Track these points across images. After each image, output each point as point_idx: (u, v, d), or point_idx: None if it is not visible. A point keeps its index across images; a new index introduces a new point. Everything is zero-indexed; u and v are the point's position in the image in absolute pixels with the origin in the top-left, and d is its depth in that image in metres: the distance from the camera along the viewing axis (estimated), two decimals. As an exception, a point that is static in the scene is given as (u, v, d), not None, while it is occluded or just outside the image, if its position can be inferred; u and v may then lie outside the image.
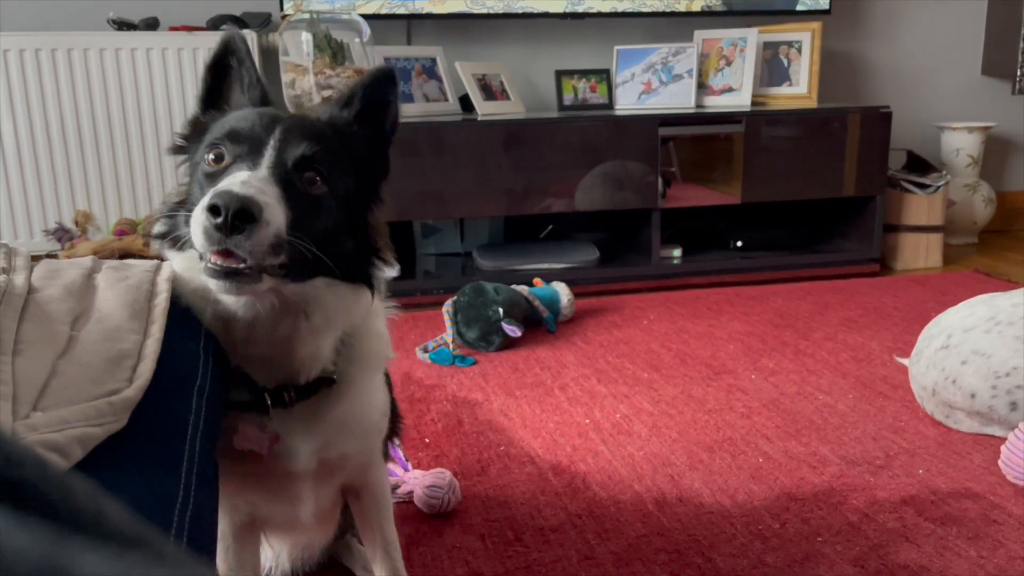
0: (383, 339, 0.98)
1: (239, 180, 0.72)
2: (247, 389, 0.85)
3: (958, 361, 1.61)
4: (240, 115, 0.83)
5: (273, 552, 1.12)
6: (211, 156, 0.79)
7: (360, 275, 0.85)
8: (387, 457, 1.10)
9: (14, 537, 0.21)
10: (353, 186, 0.85)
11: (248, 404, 0.85)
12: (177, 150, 0.89)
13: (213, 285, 0.74)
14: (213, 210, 0.68)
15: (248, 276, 0.73)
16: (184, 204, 0.85)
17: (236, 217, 0.68)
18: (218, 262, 0.72)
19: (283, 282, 0.78)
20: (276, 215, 0.72)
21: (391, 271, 0.91)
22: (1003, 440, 1.55)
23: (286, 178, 0.77)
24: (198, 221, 0.70)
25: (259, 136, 0.79)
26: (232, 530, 0.95)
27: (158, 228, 0.86)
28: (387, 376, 1.05)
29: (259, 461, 0.86)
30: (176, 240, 0.82)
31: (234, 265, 0.72)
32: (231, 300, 0.78)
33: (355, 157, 0.87)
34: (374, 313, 0.95)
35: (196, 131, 0.88)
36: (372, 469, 1.03)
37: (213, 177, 0.77)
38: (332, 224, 0.81)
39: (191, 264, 0.80)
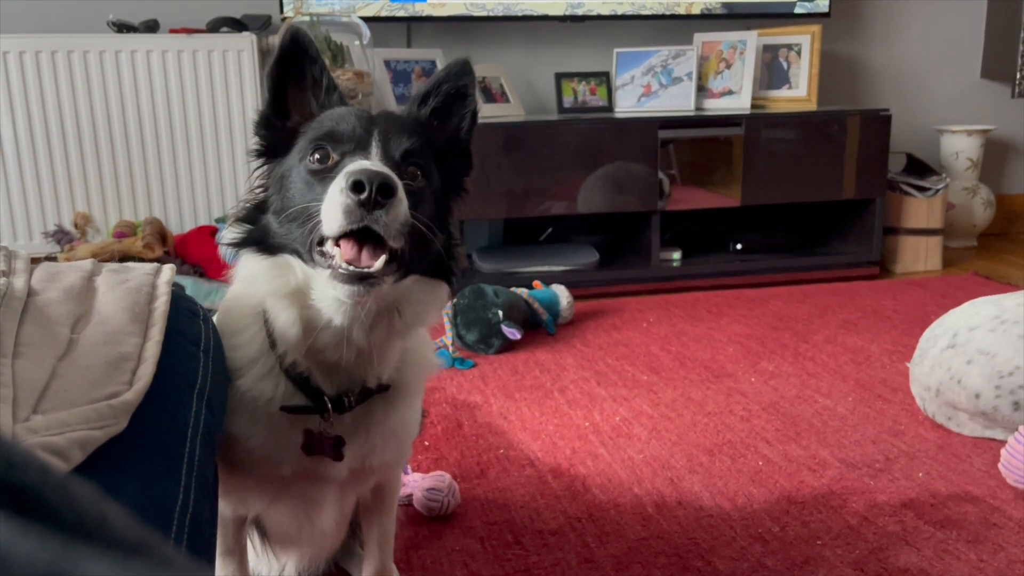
0: (431, 347, 0.99)
1: (368, 162, 0.74)
2: (307, 394, 0.85)
3: (963, 361, 1.61)
4: (336, 115, 0.84)
5: (279, 563, 1.11)
6: (316, 156, 0.80)
7: (443, 270, 0.87)
8: None
9: (19, 544, 0.21)
10: (439, 181, 0.87)
11: (305, 408, 0.85)
12: (258, 154, 0.88)
13: (342, 292, 0.75)
14: (356, 186, 0.71)
15: (375, 280, 0.75)
16: (262, 208, 0.85)
17: (379, 191, 0.71)
18: (349, 267, 0.74)
19: (393, 282, 0.79)
20: (401, 197, 0.74)
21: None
22: (1004, 443, 1.55)
23: (395, 170, 0.78)
24: (336, 202, 0.72)
25: (361, 134, 0.81)
26: (234, 517, 0.96)
27: (236, 234, 0.85)
28: None
29: (280, 466, 0.87)
30: (262, 245, 0.82)
31: (365, 269, 0.73)
32: (343, 306, 0.78)
33: (437, 152, 0.88)
34: None
35: (274, 134, 0.87)
36: (396, 470, 1.05)
37: (321, 174, 0.79)
38: (428, 218, 0.81)
39: (280, 271, 0.80)
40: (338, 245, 0.75)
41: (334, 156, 0.80)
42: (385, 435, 0.91)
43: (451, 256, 0.88)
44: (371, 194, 0.71)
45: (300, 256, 0.80)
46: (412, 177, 0.81)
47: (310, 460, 0.86)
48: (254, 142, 0.88)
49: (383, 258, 0.74)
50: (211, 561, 0.84)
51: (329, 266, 0.76)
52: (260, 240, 0.83)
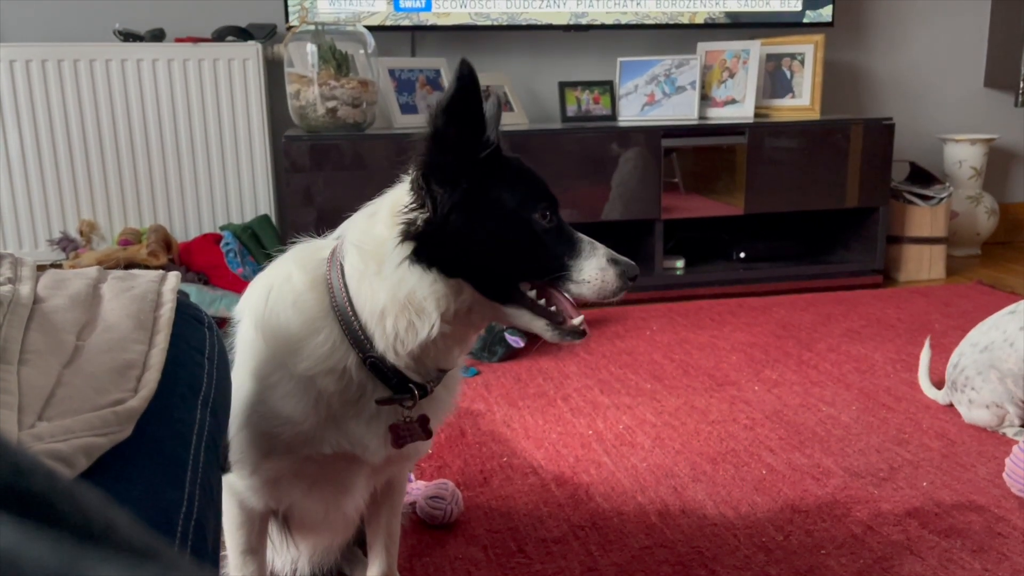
0: None
1: (613, 254, 0.93)
2: (388, 385, 0.91)
3: (1018, 327, 1.64)
4: (533, 175, 0.94)
5: (295, 554, 1.14)
6: (547, 214, 0.91)
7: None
8: None
9: (30, 548, 0.21)
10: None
11: (393, 399, 0.92)
12: (426, 175, 0.87)
13: (557, 337, 0.91)
14: (627, 271, 0.92)
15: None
16: (414, 223, 0.87)
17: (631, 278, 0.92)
18: (581, 326, 0.92)
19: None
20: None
21: None
22: (1003, 442, 1.55)
23: None
24: (608, 273, 0.90)
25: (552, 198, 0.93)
26: (262, 512, 1.00)
27: (409, 246, 0.88)
28: None
29: (322, 445, 0.93)
30: (441, 264, 0.87)
31: (584, 328, 0.92)
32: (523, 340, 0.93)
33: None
34: None
35: (448, 159, 0.87)
36: (411, 462, 1.11)
37: (551, 233, 0.91)
38: None
39: (453, 291, 0.88)
40: (542, 295, 0.91)
41: (551, 216, 0.91)
42: (444, 408, 1.01)
43: None
44: (629, 279, 0.92)
45: (483, 286, 0.89)
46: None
47: (350, 442, 0.92)
48: (423, 159, 0.86)
49: (582, 316, 0.92)
50: (215, 566, 0.84)
51: (547, 315, 0.91)
52: (438, 260, 0.87)
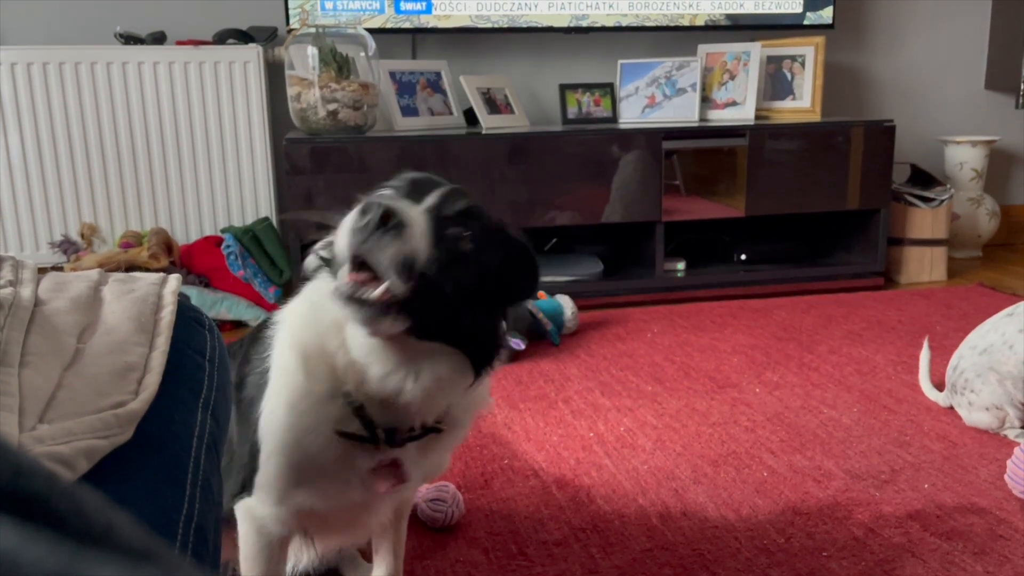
0: (486, 384, 0.96)
1: (390, 194, 0.77)
2: (363, 423, 0.86)
3: (1016, 329, 1.64)
4: (412, 173, 0.86)
5: (309, 555, 1.11)
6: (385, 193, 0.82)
7: (477, 354, 0.84)
8: None
9: (28, 549, 0.21)
10: (494, 275, 0.84)
11: (361, 437, 0.87)
12: None
13: (348, 313, 0.76)
14: (363, 210, 0.73)
15: (374, 308, 0.75)
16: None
17: (382, 219, 0.72)
18: (349, 287, 0.74)
19: (405, 329, 0.78)
20: (417, 238, 0.75)
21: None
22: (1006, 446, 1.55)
23: (441, 223, 0.78)
24: (346, 223, 0.74)
25: (430, 185, 0.82)
26: (281, 540, 0.96)
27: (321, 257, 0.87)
28: None
29: (348, 488, 0.90)
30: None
31: (361, 293, 0.74)
32: (364, 337, 0.80)
33: (504, 259, 0.86)
34: None
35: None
36: (432, 477, 1.08)
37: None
38: (467, 288, 0.80)
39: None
40: None
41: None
42: (437, 459, 0.96)
43: (490, 352, 0.86)
44: (373, 218, 0.72)
45: None
46: (460, 238, 0.79)
47: (365, 483, 0.89)
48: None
49: (382, 287, 0.74)
50: (215, 568, 0.84)
51: (338, 287, 0.77)
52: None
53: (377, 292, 0.74)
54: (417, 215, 0.76)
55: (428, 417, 0.89)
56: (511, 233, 0.88)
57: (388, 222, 0.72)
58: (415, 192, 0.81)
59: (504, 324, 0.89)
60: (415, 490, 1.12)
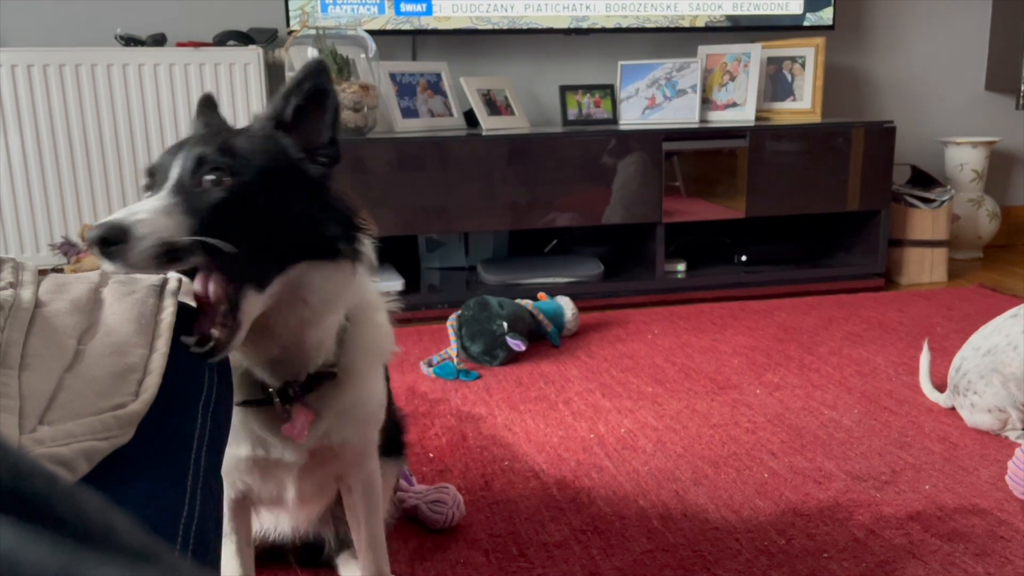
0: (383, 331, 1.02)
1: (119, 212, 0.77)
2: (252, 388, 0.91)
3: (1020, 330, 1.64)
4: (170, 147, 0.87)
5: (271, 522, 1.16)
6: (148, 194, 0.82)
7: (333, 250, 0.87)
8: (382, 452, 1.13)
9: (29, 550, 0.21)
10: (286, 171, 0.87)
11: (255, 402, 0.91)
12: None
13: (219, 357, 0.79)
14: (89, 244, 0.74)
15: (218, 345, 0.77)
16: None
17: (100, 243, 0.72)
18: (196, 348, 0.76)
19: (256, 292, 0.81)
20: (158, 225, 0.75)
21: (370, 242, 0.93)
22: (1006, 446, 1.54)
23: (188, 188, 0.80)
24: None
25: (167, 162, 0.83)
26: (228, 502, 1.00)
27: None
28: (386, 370, 1.09)
29: (240, 447, 0.94)
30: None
31: (200, 347, 0.76)
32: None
33: (284, 148, 0.89)
34: (374, 306, 1.01)
35: None
36: (366, 461, 1.07)
37: None
38: (261, 212, 0.82)
39: None
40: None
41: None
42: (338, 415, 0.96)
43: (342, 234, 0.88)
44: (99, 244, 0.72)
45: None
46: (215, 182, 0.80)
47: (266, 444, 0.93)
48: None
49: (209, 324, 0.77)
50: (216, 570, 0.84)
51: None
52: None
53: (210, 332, 0.76)
54: (148, 205, 0.77)
55: (311, 362, 0.91)
56: (269, 132, 0.90)
57: (108, 243, 0.72)
58: (166, 167, 0.82)
59: (344, 201, 0.91)
60: (369, 467, 1.08)
